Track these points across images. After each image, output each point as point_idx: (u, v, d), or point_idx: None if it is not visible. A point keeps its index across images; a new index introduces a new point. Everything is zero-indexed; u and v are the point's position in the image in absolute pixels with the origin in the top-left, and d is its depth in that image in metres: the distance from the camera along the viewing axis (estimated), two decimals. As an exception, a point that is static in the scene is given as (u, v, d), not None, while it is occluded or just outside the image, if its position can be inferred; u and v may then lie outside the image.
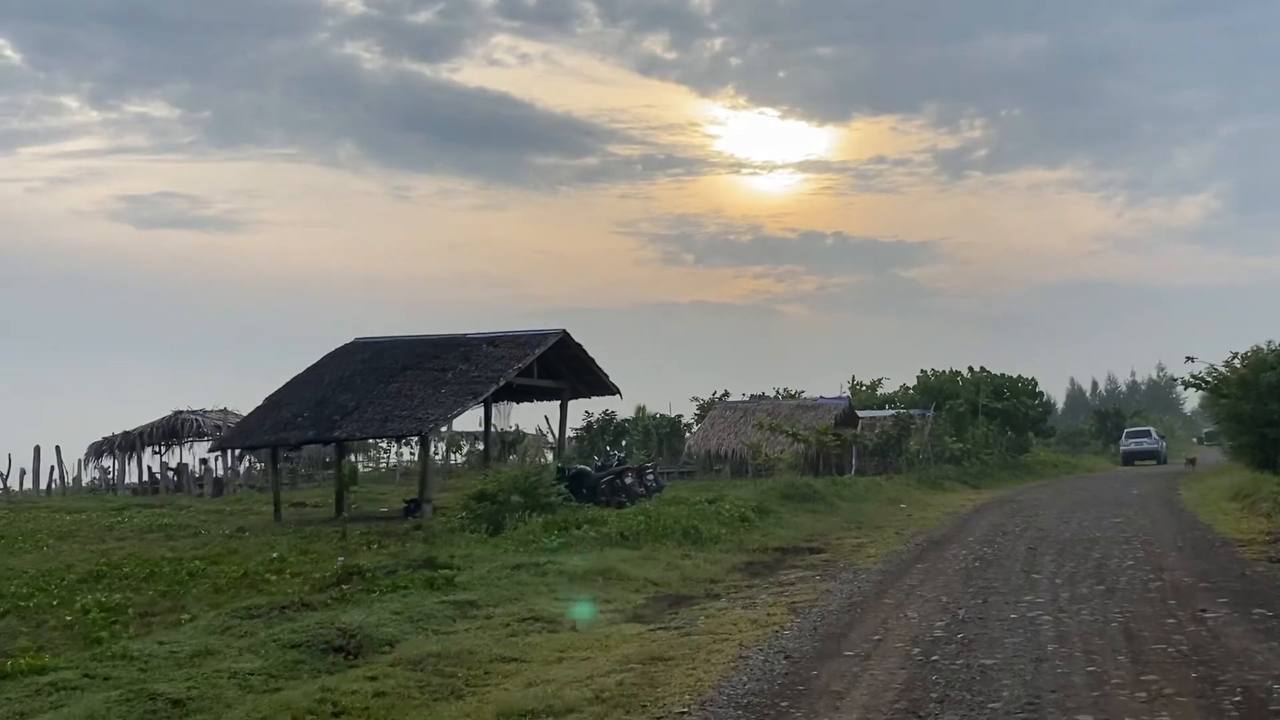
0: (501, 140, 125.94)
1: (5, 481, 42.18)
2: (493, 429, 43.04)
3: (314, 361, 26.78)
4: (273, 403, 25.53)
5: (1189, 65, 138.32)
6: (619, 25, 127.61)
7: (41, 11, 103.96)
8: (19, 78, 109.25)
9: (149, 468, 46.49)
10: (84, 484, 46.51)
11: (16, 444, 44.63)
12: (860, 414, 43.03)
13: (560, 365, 27.15)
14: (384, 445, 46.47)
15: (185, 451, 46.77)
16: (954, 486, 32.70)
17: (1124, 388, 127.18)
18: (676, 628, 10.38)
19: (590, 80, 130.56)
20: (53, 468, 43.58)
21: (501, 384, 24.15)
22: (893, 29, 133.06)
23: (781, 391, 46.91)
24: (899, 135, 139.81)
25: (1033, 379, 50.72)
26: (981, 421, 44.49)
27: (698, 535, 16.82)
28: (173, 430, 45.85)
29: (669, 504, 20.01)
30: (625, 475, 23.38)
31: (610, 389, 27.75)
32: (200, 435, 45.29)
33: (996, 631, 9.34)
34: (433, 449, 54.55)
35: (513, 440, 44.21)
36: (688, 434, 43.51)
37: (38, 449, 42.48)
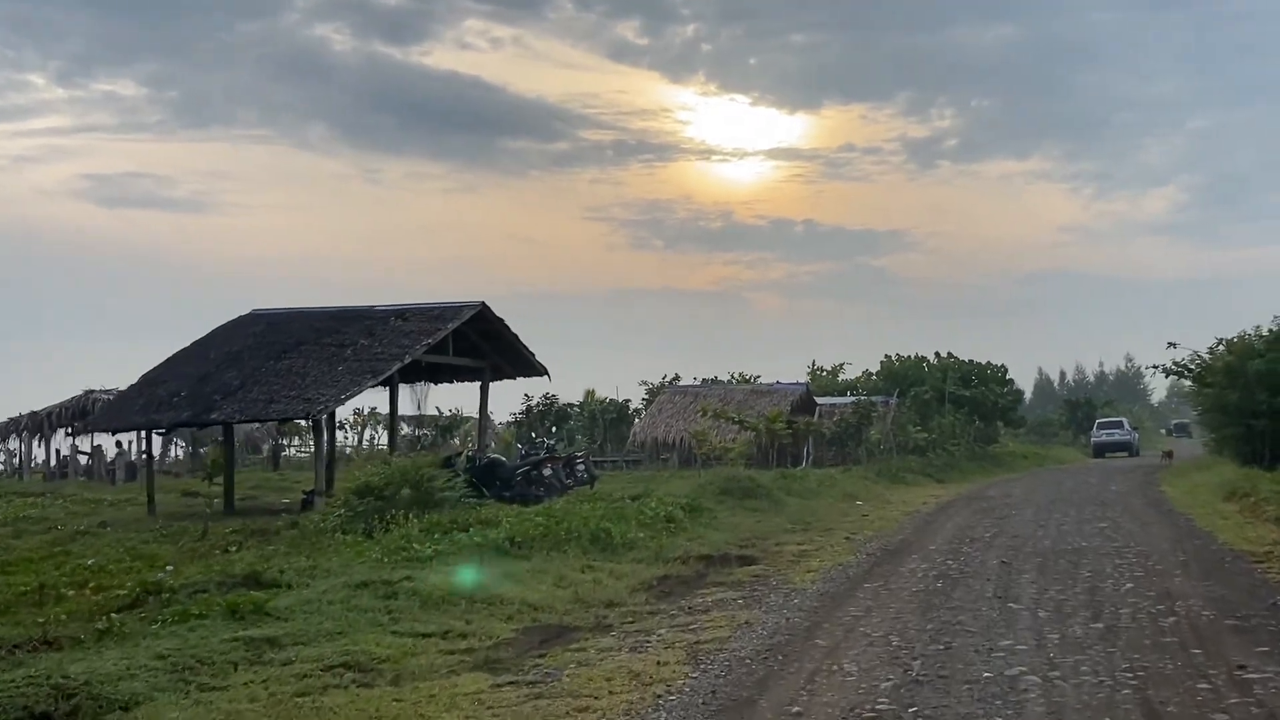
0: (472, 124, 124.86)
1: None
2: (428, 412, 40.48)
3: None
4: (149, 380, 22.51)
5: (1159, 57, 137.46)
6: (591, 10, 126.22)
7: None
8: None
9: (58, 451, 43.31)
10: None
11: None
12: (819, 401, 40.44)
13: (482, 343, 24.31)
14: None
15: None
16: (917, 480, 30.09)
17: (1092, 378, 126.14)
18: (531, 683, 7.63)
19: (562, 65, 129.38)
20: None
21: (407, 362, 21.27)
22: (864, 17, 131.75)
23: (737, 376, 44.20)
24: (869, 124, 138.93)
25: (1002, 365, 48.21)
26: (948, 410, 41.96)
27: (608, 541, 14.06)
28: (83, 410, 42.50)
29: (584, 501, 17.28)
30: (544, 466, 20.56)
31: (538, 369, 24.94)
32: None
33: (964, 703, 6.62)
34: (365, 433, 52.18)
35: (448, 425, 41.32)
36: (636, 420, 40.71)
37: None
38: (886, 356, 48.54)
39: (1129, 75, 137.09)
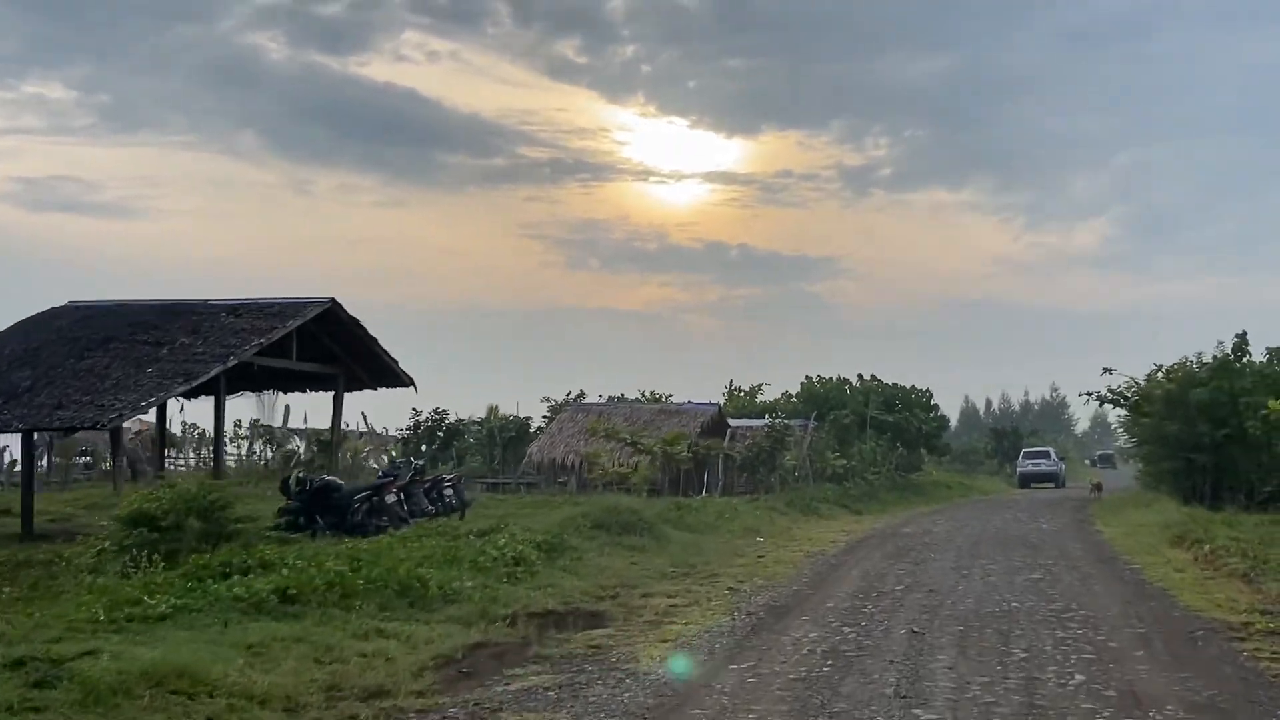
0: (407, 137, 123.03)
1: None
2: (289, 426, 36.93)
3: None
4: (-77, 379, 18.95)
5: (1086, 93, 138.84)
6: (531, 27, 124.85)
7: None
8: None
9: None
10: None
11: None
12: (734, 423, 37.59)
13: (335, 347, 21.12)
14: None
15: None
16: (832, 511, 27.40)
17: (1018, 407, 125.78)
18: None
19: (500, 81, 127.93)
20: None
21: (231, 365, 18.01)
22: (801, 45, 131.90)
23: (648, 394, 41.24)
24: (806, 150, 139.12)
25: (927, 390, 45.76)
26: (869, 436, 39.47)
27: (422, 593, 11.03)
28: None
29: (411, 538, 14.21)
30: (386, 492, 17.38)
31: (403, 379, 21.81)
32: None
33: None
34: (253, 445, 48.10)
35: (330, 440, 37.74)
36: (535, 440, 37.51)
37: None
38: (807, 378, 45.92)
39: (1057, 110, 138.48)
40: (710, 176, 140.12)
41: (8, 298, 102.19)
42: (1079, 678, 7.92)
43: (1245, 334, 26.64)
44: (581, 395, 39.71)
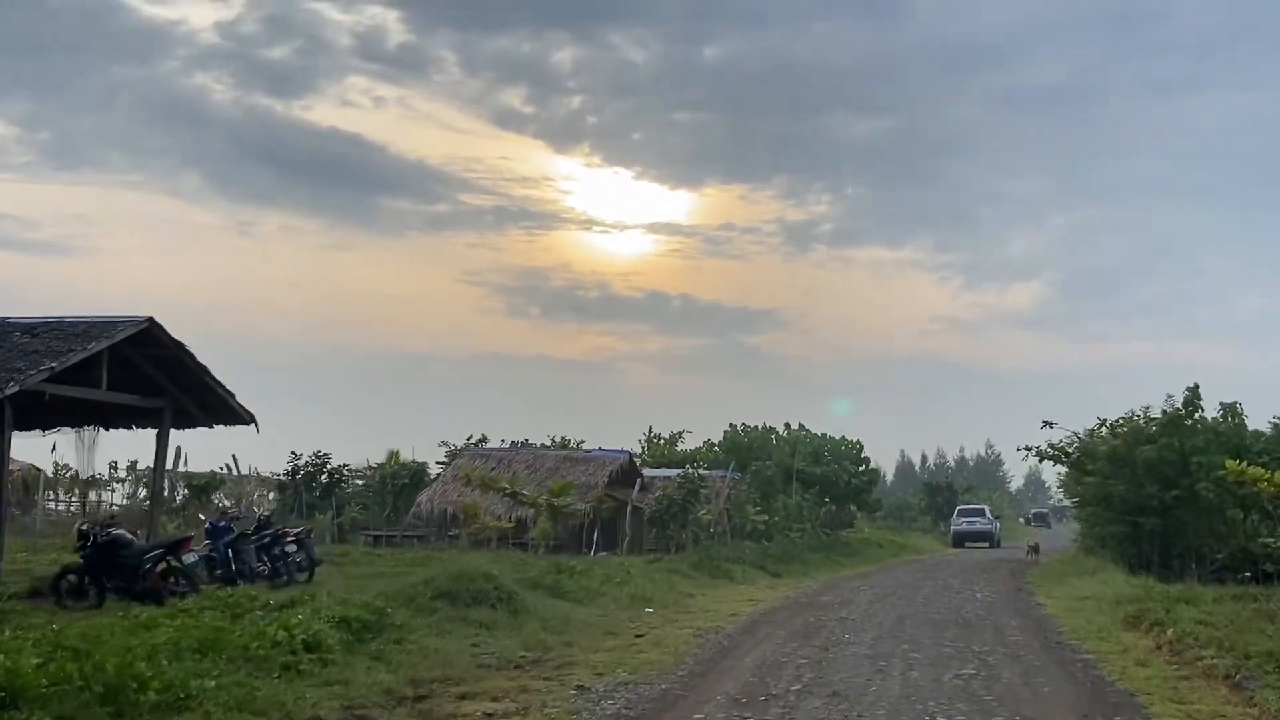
0: (351, 181, 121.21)
1: None
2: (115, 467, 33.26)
3: None
4: None
5: (1023, 155, 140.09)
6: (477, 76, 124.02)
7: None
8: None
9: None
10: None
11: None
12: (649, 472, 34.77)
13: (160, 377, 17.99)
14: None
15: None
16: (746, 574, 24.56)
17: (953, 463, 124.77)
18: None
19: (446, 128, 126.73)
20: None
21: (12, 391, 14.79)
22: (745, 100, 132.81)
23: (557, 440, 38.23)
24: (749, 204, 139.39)
25: (858, 441, 42.98)
26: (795, 489, 36.79)
27: (134, 697, 7.97)
28: None
29: (178, 612, 11.15)
30: (182, 550, 14.23)
31: (241, 416, 18.65)
32: None
33: None
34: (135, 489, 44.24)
35: (205, 483, 34.18)
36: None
37: None
38: (731, 425, 43.13)
39: (995, 171, 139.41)
40: (654, 227, 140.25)
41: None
42: None
43: (1197, 386, 24.48)
44: (484, 440, 36.58)
